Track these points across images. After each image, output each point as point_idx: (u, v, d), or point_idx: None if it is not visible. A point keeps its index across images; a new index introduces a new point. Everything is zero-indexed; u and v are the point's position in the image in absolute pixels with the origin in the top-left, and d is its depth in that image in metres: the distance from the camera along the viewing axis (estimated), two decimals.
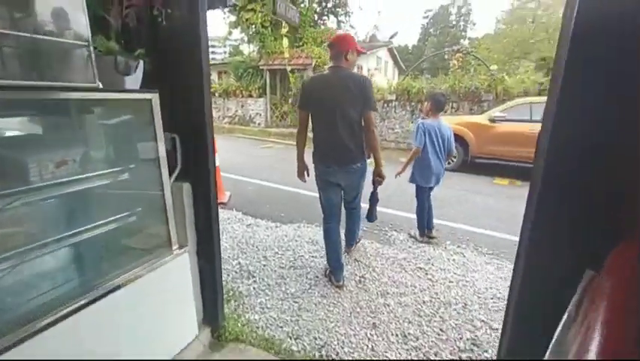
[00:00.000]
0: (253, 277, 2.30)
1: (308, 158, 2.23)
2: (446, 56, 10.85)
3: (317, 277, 2.32)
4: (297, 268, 2.45)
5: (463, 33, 47.90)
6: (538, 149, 0.98)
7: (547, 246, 0.94)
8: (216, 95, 12.72)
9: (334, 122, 1.96)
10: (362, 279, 2.29)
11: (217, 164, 3.83)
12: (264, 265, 2.46)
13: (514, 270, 1.07)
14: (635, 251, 0.63)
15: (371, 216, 2.34)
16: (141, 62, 1.39)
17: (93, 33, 1.13)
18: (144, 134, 1.31)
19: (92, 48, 1.11)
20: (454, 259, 2.66)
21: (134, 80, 1.37)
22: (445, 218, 3.61)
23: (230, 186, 4.47)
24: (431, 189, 2.98)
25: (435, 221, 3.16)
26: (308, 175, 2.31)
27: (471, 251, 2.85)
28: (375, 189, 2.26)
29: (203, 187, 1.52)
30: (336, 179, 2.09)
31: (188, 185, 1.51)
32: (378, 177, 2.15)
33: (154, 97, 1.27)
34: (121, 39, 1.41)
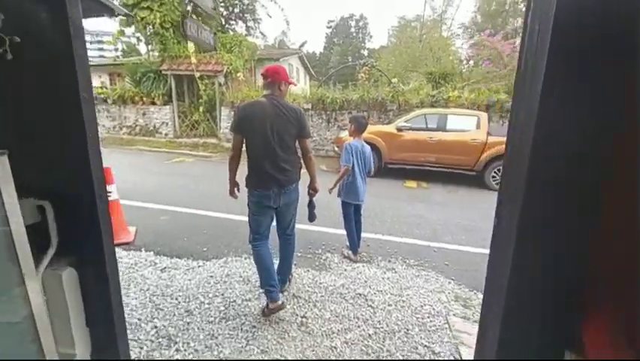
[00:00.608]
0: (175, 343, 1.91)
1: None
2: (357, 68, 11.57)
3: (254, 326, 2.07)
4: (230, 318, 2.14)
5: (363, 44, 52.66)
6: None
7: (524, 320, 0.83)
8: (108, 101, 10.88)
9: (272, 147, 2.06)
10: (304, 320, 2.14)
11: (114, 196, 3.18)
12: (188, 324, 2.08)
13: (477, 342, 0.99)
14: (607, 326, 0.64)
15: (312, 216, 2.48)
16: None
17: None
18: None
19: None
20: (388, 278, 2.74)
21: None
22: (371, 230, 3.75)
23: (137, 218, 3.76)
24: (358, 206, 3.08)
25: (363, 235, 3.24)
26: (239, 191, 2.35)
27: (400, 265, 2.99)
28: (310, 199, 2.45)
29: (96, 268, 1.13)
30: (273, 202, 2.14)
31: (71, 271, 1.09)
32: (312, 191, 2.36)
33: None
34: None
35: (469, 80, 10.57)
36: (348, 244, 3.14)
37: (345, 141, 7.22)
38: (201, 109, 9.91)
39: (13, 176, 1.01)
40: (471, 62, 12.06)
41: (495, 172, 6.38)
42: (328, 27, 55.69)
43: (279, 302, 2.11)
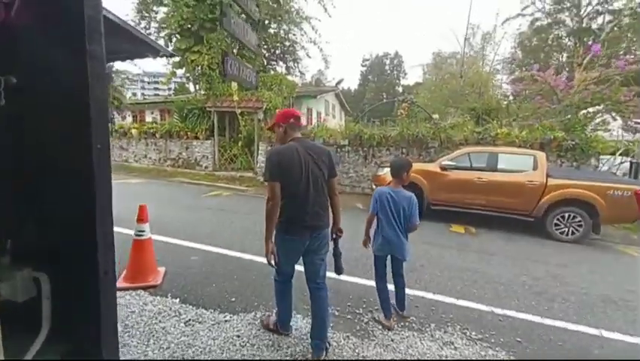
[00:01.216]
0: None
1: None
2: (395, 105, 11.48)
3: None
4: None
5: (397, 80, 53.54)
6: None
7: None
8: (157, 135, 11.65)
9: (308, 191, 2.02)
10: None
11: (147, 235, 3.06)
12: None
13: None
14: None
15: (339, 269, 2.30)
16: None
17: None
18: None
19: None
20: (445, 356, 2.23)
21: None
22: (418, 286, 3.26)
23: (167, 257, 3.63)
24: (396, 261, 2.63)
25: (409, 291, 2.78)
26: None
27: (460, 338, 2.46)
28: (336, 245, 2.29)
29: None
30: (305, 247, 2.10)
31: None
32: (338, 232, 2.26)
33: None
34: None
35: (517, 116, 9.95)
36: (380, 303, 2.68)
37: (383, 179, 6.92)
38: (240, 143, 10.21)
39: (11, 240, 0.81)
40: (514, 98, 11.44)
41: (559, 219, 5.59)
42: (363, 65, 57.72)
43: (289, 332, 2.37)
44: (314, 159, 2.03)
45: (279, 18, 11.02)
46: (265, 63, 12.64)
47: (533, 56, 21.61)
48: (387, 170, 6.80)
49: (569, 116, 7.92)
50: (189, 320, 2.55)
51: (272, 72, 12.00)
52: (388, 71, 56.56)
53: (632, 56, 11.10)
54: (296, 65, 13.45)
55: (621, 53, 14.21)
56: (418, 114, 11.23)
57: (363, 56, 60.04)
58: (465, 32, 16.84)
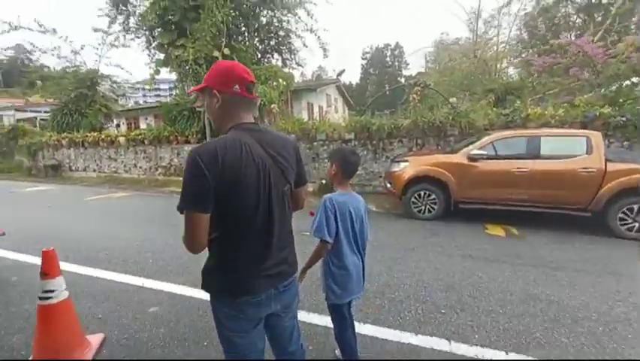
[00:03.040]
0: None
1: None
2: (405, 90, 10.35)
3: None
4: None
5: (399, 72, 52.02)
6: None
7: None
8: (145, 142, 10.74)
9: (268, 216, 1.09)
10: None
11: (61, 296, 2.04)
12: None
13: None
14: None
15: None
16: None
17: None
18: None
19: None
20: None
21: None
22: (479, 338, 2.22)
23: (119, 310, 2.64)
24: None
25: (462, 347, 1.76)
26: None
27: None
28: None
29: None
30: (265, 310, 1.17)
31: None
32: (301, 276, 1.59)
33: None
34: None
35: (544, 94, 8.76)
36: None
37: (399, 177, 5.87)
38: None
39: None
40: (538, 75, 10.19)
41: (625, 213, 4.48)
42: (363, 58, 56.36)
43: None
44: (276, 161, 1.11)
45: (271, 3, 9.95)
46: (259, 56, 11.61)
47: (541, 36, 20.19)
48: (403, 165, 5.73)
49: (613, 88, 6.71)
50: None
51: (266, 65, 10.97)
52: (389, 63, 55.12)
53: None
54: (293, 56, 12.39)
55: (632, 27, 12.91)
56: (429, 100, 10.11)
57: (363, 49, 58.54)
58: (477, 9, 15.45)
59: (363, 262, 1.81)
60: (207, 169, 0.94)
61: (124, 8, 9.38)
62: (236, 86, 1.06)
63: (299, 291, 1.34)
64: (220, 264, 1.11)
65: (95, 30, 10.31)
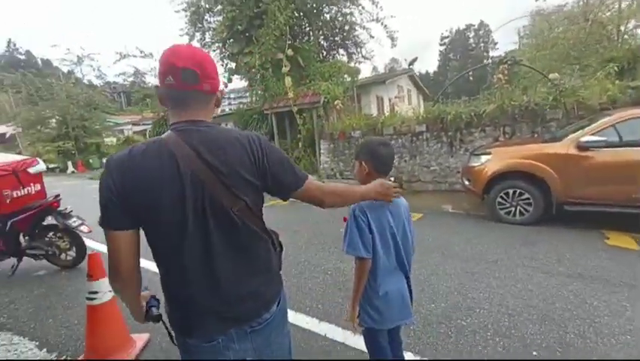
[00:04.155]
0: None
1: None
2: (489, 70, 8.93)
3: None
4: None
5: (485, 54, 46.16)
6: None
7: None
8: None
9: (205, 246, 0.85)
10: None
11: (106, 297, 2.08)
12: None
13: None
14: None
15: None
16: None
17: None
18: None
19: None
20: None
21: None
22: None
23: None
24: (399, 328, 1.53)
25: None
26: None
27: None
28: None
29: None
30: (233, 355, 0.91)
31: None
32: None
33: None
34: None
35: None
36: None
37: (479, 173, 4.93)
38: (300, 145, 9.27)
39: None
40: None
41: None
42: (442, 44, 51.90)
43: None
44: (218, 173, 0.83)
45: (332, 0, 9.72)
46: (324, 53, 11.50)
47: None
48: (485, 158, 4.80)
49: None
50: None
51: (330, 61, 10.78)
52: (473, 45, 49.50)
53: None
54: (359, 50, 11.93)
55: None
56: (523, 81, 8.45)
57: (441, 34, 53.85)
58: None
59: (409, 280, 1.44)
60: (112, 177, 0.79)
61: (200, 25, 10.34)
62: (169, 77, 0.82)
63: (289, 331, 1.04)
64: (167, 301, 0.94)
65: None
